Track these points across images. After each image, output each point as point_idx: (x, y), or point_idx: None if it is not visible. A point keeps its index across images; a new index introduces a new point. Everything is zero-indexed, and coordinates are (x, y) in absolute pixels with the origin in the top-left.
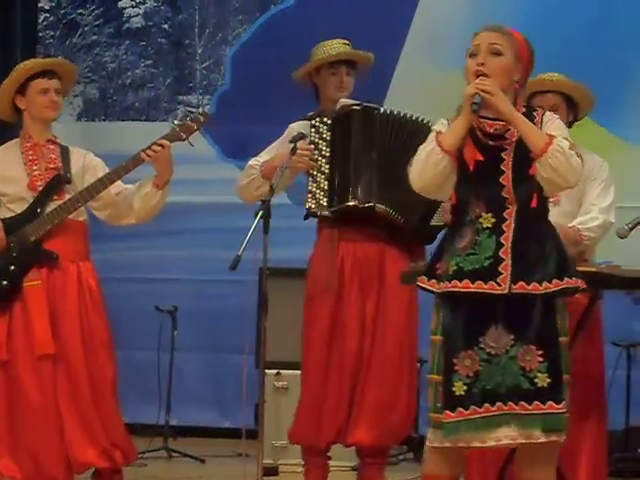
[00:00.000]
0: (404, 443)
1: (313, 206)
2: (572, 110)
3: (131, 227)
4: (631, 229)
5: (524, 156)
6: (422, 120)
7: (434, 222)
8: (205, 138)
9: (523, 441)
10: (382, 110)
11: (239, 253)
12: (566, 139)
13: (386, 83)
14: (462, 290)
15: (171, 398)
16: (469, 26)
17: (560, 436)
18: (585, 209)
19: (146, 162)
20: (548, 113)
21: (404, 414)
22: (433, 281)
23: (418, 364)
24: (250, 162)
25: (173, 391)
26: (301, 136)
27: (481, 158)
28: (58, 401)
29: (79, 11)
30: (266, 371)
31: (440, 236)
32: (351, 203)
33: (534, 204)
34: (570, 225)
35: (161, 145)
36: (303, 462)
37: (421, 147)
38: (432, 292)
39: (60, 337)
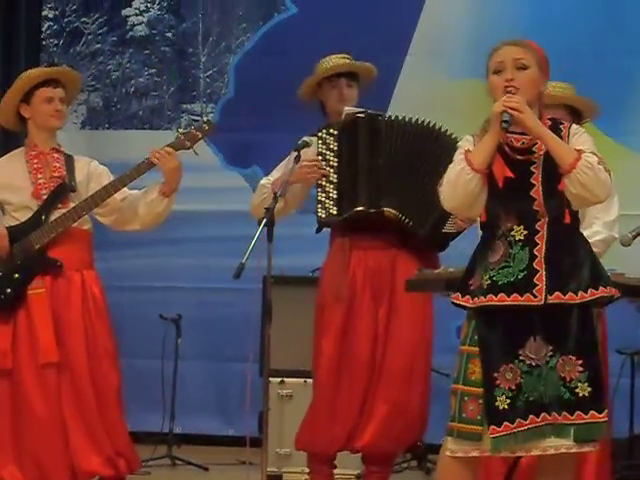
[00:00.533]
0: (408, 451)
1: (323, 216)
2: (575, 118)
3: (135, 235)
4: (634, 237)
5: (553, 169)
6: (426, 123)
7: (446, 229)
8: (209, 146)
9: (575, 450)
10: (386, 116)
11: (243, 261)
12: (594, 153)
13: (390, 91)
14: (498, 304)
15: (175, 406)
16: (473, 34)
17: (594, 446)
18: (588, 222)
19: (151, 170)
20: (574, 126)
21: (413, 422)
22: (467, 297)
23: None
24: (262, 182)
25: (177, 399)
26: (305, 144)
27: (511, 175)
28: (62, 409)
29: (83, 19)
30: (270, 379)
31: (470, 251)
32: (360, 208)
33: (566, 217)
34: None
35: (168, 152)
36: (308, 470)
37: (450, 166)
38: (467, 308)
39: (64, 345)
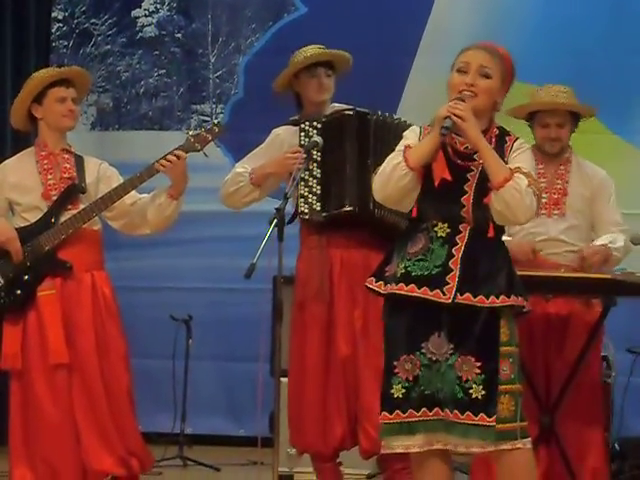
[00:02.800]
0: None
1: (306, 210)
2: (575, 121)
3: (146, 236)
4: None
5: (487, 181)
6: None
7: None
8: (219, 147)
9: (459, 450)
10: (375, 115)
11: (254, 261)
12: (527, 175)
13: (399, 92)
14: (407, 294)
15: (186, 406)
16: (481, 34)
17: (513, 445)
18: (605, 228)
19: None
20: (519, 142)
21: None
22: (381, 283)
23: None
24: (237, 169)
25: (188, 400)
26: (315, 144)
27: (449, 178)
28: (73, 410)
29: (92, 21)
30: (281, 379)
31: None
32: (349, 209)
33: (490, 231)
34: (600, 243)
35: (176, 156)
36: (315, 470)
37: (389, 157)
38: (379, 294)
39: (75, 346)
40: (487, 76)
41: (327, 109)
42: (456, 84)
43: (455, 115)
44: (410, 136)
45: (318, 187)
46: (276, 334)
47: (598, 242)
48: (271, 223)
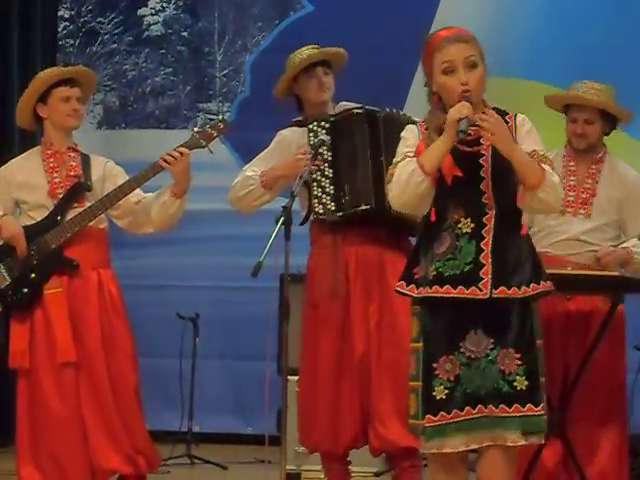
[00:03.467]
0: None
1: (321, 211)
2: (609, 120)
3: (150, 234)
4: None
5: (501, 160)
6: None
7: None
8: (225, 145)
9: (508, 444)
10: (384, 112)
11: (261, 259)
12: (546, 159)
13: (406, 89)
14: (444, 296)
15: (193, 405)
16: (487, 32)
17: (540, 438)
18: (634, 231)
19: (167, 170)
20: (520, 118)
21: None
22: (412, 286)
23: None
24: (247, 172)
25: (195, 398)
26: (322, 142)
27: (460, 174)
28: (81, 408)
29: (99, 19)
30: (288, 377)
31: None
32: (365, 207)
33: (513, 210)
34: (623, 246)
35: (180, 152)
36: (324, 469)
37: (400, 164)
38: (412, 297)
39: (82, 344)
40: (475, 66)
41: (329, 109)
42: (451, 87)
43: (484, 128)
44: (409, 136)
45: (331, 187)
46: (283, 332)
47: (624, 245)
48: (278, 221)
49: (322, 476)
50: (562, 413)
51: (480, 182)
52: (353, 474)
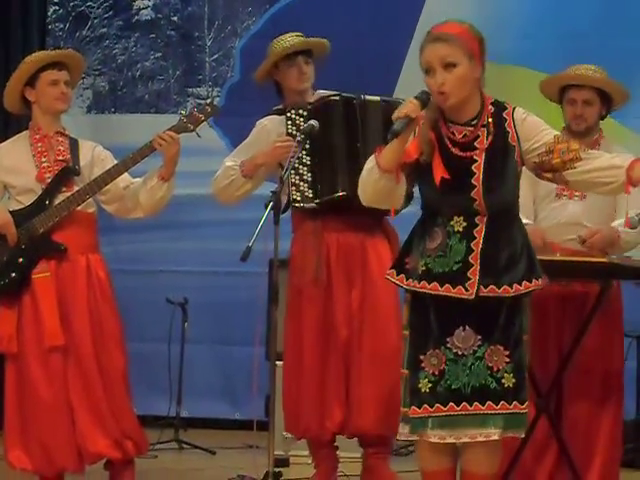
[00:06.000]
0: None
1: (298, 198)
2: (605, 103)
3: (141, 219)
4: None
5: (494, 165)
6: (398, 103)
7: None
8: (215, 130)
9: (483, 439)
10: (361, 99)
11: (250, 244)
12: (562, 140)
13: (395, 76)
14: (430, 292)
15: (182, 390)
16: (477, 19)
17: (520, 432)
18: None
19: (153, 155)
20: (519, 112)
21: None
22: (402, 276)
23: None
24: (227, 163)
25: (184, 383)
26: (312, 127)
27: (447, 176)
28: (69, 393)
29: (88, 3)
30: (277, 362)
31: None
32: (342, 193)
33: (506, 213)
34: (611, 225)
35: (170, 137)
36: (311, 454)
37: (367, 161)
38: (401, 287)
39: (70, 329)
40: (452, 64)
41: (309, 97)
42: (430, 87)
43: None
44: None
45: (309, 174)
46: (272, 317)
47: (612, 224)
48: (267, 207)
49: (310, 461)
50: (551, 396)
51: (471, 189)
52: (341, 459)
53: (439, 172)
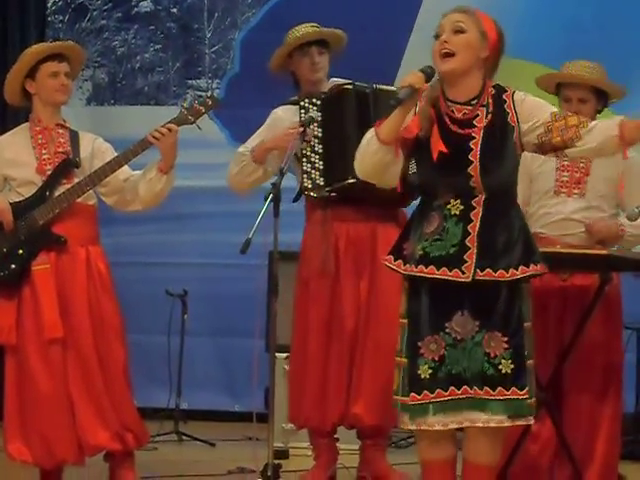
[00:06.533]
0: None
1: (309, 186)
2: (601, 99)
3: (140, 212)
4: None
5: (492, 144)
6: None
7: None
8: (215, 122)
9: (493, 425)
10: (373, 88)
11: (249, 237)
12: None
13: (395, 68)
14: (427, 276)
15: (182, 382)
16: (478, 8)
17: (527, 420)
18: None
19: (154, 147)
20: (517, 94)
21: None
22: (400, 262)
23: None
24: (239, 149)
25: (183, 375)
26: (311, 119)
27: (444, 150)
28: (68, 384)
29: None
30: (276, 355)
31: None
32: (352, 180)
33: (503, 194)
34: (615, 221)
35: (169, 129)
36: (312, 445)
37: (367, 133)
38: (398, 272)
39: (69, 321)
40: (461, 31)
41: (324, 86)
42: (434, 49)
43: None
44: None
45: (320, 162)
46: (271, 310)
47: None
48: (267, 199)
49: (310, 453)
50: (551, 391)
51: (468, 165)
52: (341, 451)
53: (437, 146)
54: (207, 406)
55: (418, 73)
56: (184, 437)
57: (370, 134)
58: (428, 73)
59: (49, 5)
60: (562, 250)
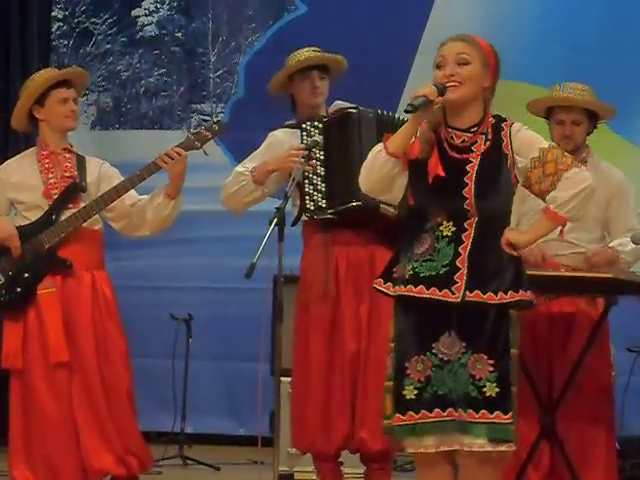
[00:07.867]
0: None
1: (312, 208)
2: (592, 120)
3: (145, 237)
4: None
5: (489, 169)
6: None
7: None
8: (219, 146)
9: (475, 449)
10: (377, 113)
11: (254, 261)
12: (554, 149)
13: (400, 90)
14: (416, 295)
15: (186, 406)
16: (482, 32)
17: (510, 447)
18: (620, 232)
19: (160, 171)
20: (516, 125)
21: None
22: (389, 284)
23: None
24: (238, 169)
25: (188, 399)
26: (315, 143)
27: (442, 174)
28: (73, 409)
29: (92, 20)
30: (281, 378)
31: None
32: (355, 203)
33: (496, 219)
34: (609, 246)
35: (178, 153)
36: (316, 469)
37: (373, 149)
38: (388, 295)
39: (74, 345)
40: (466, 63)
41: (322, 111)
42: (437, 79)
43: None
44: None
45: (323, 185)
46: (276, 334)
47: (611, 244)
48: (271, 223)
49: (314, 477)
50: (552, 415)
51: (463, 188)
52: (346, 475)
53: (434, 170)
54: (212, 430)
55: (432, 86)
56: (189, 461)
57: (378, 147)
58: (440, 89)
59: (54, 30)
60: (567, 274)
